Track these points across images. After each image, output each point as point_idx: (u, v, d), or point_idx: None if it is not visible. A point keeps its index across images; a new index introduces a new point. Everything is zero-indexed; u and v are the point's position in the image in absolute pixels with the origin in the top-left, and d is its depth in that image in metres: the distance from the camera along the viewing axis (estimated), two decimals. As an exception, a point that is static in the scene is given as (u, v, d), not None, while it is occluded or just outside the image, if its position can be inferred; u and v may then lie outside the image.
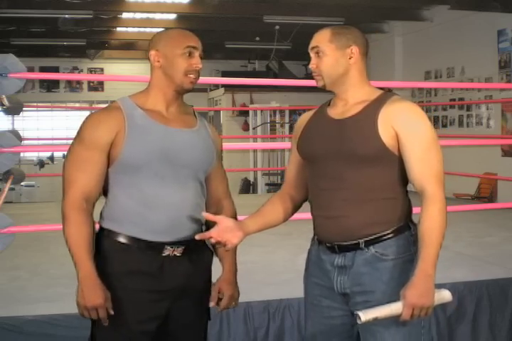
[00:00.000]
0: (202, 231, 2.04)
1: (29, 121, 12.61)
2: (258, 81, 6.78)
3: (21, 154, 8.04)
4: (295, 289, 2.14)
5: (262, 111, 10.58)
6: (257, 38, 10.42)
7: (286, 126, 10.94)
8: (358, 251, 1.90)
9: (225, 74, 10.94)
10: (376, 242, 1.89)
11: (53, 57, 12.16)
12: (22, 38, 10.24)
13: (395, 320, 1.80)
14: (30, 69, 8.34)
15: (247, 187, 10.86)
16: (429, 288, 1.77)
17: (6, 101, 4.22)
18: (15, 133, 3.68)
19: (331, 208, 1.93)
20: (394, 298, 1.80)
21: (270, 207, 2.07)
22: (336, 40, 1.94)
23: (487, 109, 8.53)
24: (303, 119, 2.10)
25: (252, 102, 11.27)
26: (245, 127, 11.29)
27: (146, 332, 1.93)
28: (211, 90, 12.13)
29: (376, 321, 1.75)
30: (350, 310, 1.94)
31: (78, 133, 1.95)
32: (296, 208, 2.13)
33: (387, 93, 1.99)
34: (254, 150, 10.44)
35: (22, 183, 8.33)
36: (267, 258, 4.03)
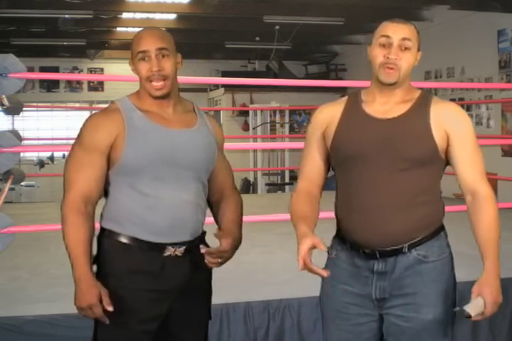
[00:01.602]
0: (203, 232, 2.05)
1: (29, 121, 12.59)
2: (258, 81, 6.78)
3: (21, 154, 8.04)
4: (295, 289, 2.14)
5: (262, 111, 10.56)
6: (257, 38, 10.40)
7: (286, 126, 10.93)
8: (400, 256, 1.86)
9: (225, 74, 10.94)
10: (418, 245, 1.86)
11: (53, 57, 12.13)
12: (22, 38, 10.22)
13: (436, 325, 1.83)
14: (30, 69, 8.34)
15: (247, 187, 10.85)
16: (499, 286, 1.80)
17: (6, 101, 4.22)
18: (15, 133, 3.68)
19: (373, 214, 1.84)
20: (434, 300, 1.84)
21: (311, 210, 1.93)
22: (418, 39, 1.90)
23: (487, 109, 8.53)
24: (329, 114, 1.97)
25: (252, 102, 11.26)
26: (245, 127, 11.28)
27: (148, 331, 1.93)
28: (211, 90, 12.12)
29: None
30: (380, 314, 1.91)
31: (78, 135, 1.96)
32: None
33: (427, 92, 1.96)
34: (254, 150, 10.43)
35: (22, 183, 8.33)
36: (267, 258, 4.03)
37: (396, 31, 1.84)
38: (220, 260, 1.93)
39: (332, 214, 2.01)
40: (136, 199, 1.91)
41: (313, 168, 2.00)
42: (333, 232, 2.01)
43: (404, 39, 1.83)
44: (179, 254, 1.94)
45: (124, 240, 1.91)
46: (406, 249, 1.85)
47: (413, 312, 1.85)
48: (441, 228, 1.95)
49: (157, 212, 1.91)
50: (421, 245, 1.86)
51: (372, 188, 1.85)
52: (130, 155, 1.89)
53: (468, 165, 1.86)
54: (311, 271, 1.71)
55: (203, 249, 1.92)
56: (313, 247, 1.70)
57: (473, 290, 1.77)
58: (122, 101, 1.98)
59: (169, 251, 1.93)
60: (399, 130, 1.84)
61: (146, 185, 1.91)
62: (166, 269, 1.92)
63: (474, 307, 1.77)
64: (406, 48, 1.84)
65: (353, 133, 1.89)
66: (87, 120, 1.97)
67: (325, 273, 1.71)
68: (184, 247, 1.95)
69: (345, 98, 2.00)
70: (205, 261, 1.92)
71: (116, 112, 1.93)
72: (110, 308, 1.82)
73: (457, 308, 1.78)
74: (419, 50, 1.90)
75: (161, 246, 1.92)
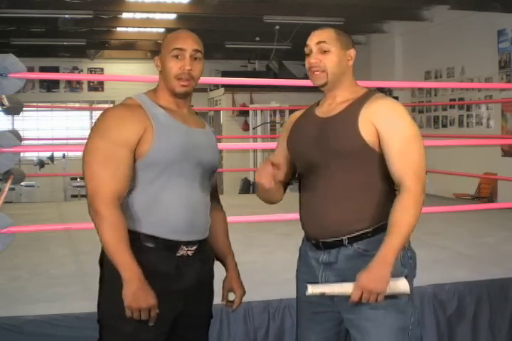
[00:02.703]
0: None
1: (29, 121, 12.60)
2: (258, 81, 6.76)
3: (21, 154, 8.04)
4: (295, 289, 2.14)
5: (262, 111, 10.57)
6: (257, 38, 10.42)
7: (286, 126, 10.92)
8: (342, 248, 1.94)
9: (225, 74, 10.94)
10: (359, 239, 1.93)
11: (53, 57, 12.15)
12: (22, 38, 10.23)
13: (382, 316, 1.86)
14: (30, 69, 8.34)
15: (247, 187, 10.85)
16: (384, 275, 1.78)
17: (6, 101, 4.22)
18: (15, 133, 3.68)
19: (315, 206, 1.98)
20: None
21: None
22: (340, 39, 1.98)
23: (487, 109, 8.53)
24: (292, 119, 2.16)
25: (252, 102, 11.26)
26: (245, 127, 11.29)
27: (163, 333, 1.91)
28: (211, 90, 12.13)
29: (323, 296, 1.81)
30: (337, 308, 1.97)
31: (101, 129, 1.88)
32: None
33: (371, 91, 2.03)
34: (254, 150, 10.44)
35: (22, 183, 8.33)
36: (267, 258, 4.03)
37: (311, 38, 1.98)
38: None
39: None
40: (156, 196, 1.89)
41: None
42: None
43: (319, 42, 1.96)
44: (190, 254, 1.95)
45: (140, 239, 1.87)
46: (346, 242, 1.93)
47: (356, 304, 1.87)
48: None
49: (177, 209, 1.91)
50: (362, 240, 1.92)
51: (312, 183, 1.98)
52: (159, 150, 1.87)
53: (396, 156, 1.87)
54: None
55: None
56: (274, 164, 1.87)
57: (357, 274, 1.79)
58: (141, 97, 1.97)
59: (182, 251, 1.93)
60: (330, 127, 1.96)
61: (167, 183, 1.90)
62: (180, 269, 1.92)
63: (326, 287, 1.80)
64: (325, 51, 1.95)
65: (298, 133, 2.06)
66: (109, 114, 1.91)
67: (267, 184, 1.87)
68: (195, 247, 1.96)
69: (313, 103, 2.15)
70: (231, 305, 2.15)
71: (139, 107, 1.92)
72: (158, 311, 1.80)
73: (306, 284, 1.84)
74: (349, 47, 2.00)
75: (176, 246, 1.91)
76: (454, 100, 9.10)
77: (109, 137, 1.85)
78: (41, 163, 10.57)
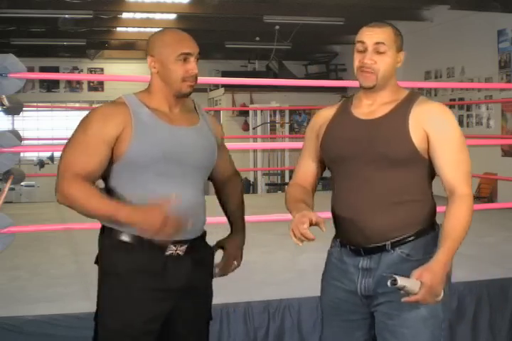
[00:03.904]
0: (205, 231, 2.06)
1: (29, 121, 12.60)
2: (258, 81, 6.78)
3: (21, 154, 8.04)
4: (295, 289, 2.14)
5: (262, 111, 10.57)
6: (257, 38, 10.41)
7: (286, 126, 10.93)
8: (384, 253, 1.89)
9: (225, 74, 10.95)
10: (402, 243, 1.89)
11: (53, 57, 12.15)
12: (22, 38, 10.23)
13: (422, 324, 1.84)
14: (30, 69, 8.31)
15: (247, 187, 10.84)
16: (443, 279, 1.76)
17: (6, 101, 4.22)
18: (15, 133, 3.68)
19: (358, 211, 1.89)
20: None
21: (308, 198, 1.99)
22: (397, 41, 1.94)
23: (487, 109, 8.53)
24: (324, 116, 2.05)
25: (252, 102, 11.26)
26: (245, 127, 11.29)
27: (151, 331, 1.92)
28: (211, 90, 12.13)
29: (401, 290, 1.73)
30: (370, 312, 1.94)
31: (82, 125, 1.92)
32: None
33: (414, 93, 1.98)
34: (254, 150, 10.43)
35: (22, 183, 8.33)
36: (267, 258, 4.03)
37: (370, 36, 1.90)
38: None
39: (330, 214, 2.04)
40: (141, 196, 1.89)
41: (307, 167, 2.08)
42: (332, 232, 2.04)
43: (377, 43, 1.89)
44: (181, 253, 1.94)
45: (125, 239, 1.90)
46: (389, 247, 1.89)
47: (396, 310, 1.86)
48: (430, 228, 1.94)
49: None
50: (405, 244, 1.89)
51: (355, 186, 1.91)
52: (136, 151, 1.88)
53: (448, 164, 1.86)
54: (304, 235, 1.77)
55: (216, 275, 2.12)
56: (312, 223, 1.76)
57: (414, 272, 1.74)
58: (128, 97, 2.00)
59: (171, 250, 1.92)
60: (378, 130, 1.89)
61: (150, 181, 1.90)
62: (168, 268, 1.92)
63: (407, 281, 1.72)
64: (381, 52, 1.89)
65: (338, 134, 1.96)
66: (93, 112, 1.95)
67: (323, 229, 1.75)
68: (186, 246, 1.95)
69: (341, 102, 2.07)
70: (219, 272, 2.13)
71: (123, 106, 1.95)
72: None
73: (388, 274, 1.75)
74: (401, 50, 1.95)
75: (164, 245, 1.91)
76: (454, 100, 9.09)
77: (87, 131, 1.90)
78: (41, 163, 10.59)
